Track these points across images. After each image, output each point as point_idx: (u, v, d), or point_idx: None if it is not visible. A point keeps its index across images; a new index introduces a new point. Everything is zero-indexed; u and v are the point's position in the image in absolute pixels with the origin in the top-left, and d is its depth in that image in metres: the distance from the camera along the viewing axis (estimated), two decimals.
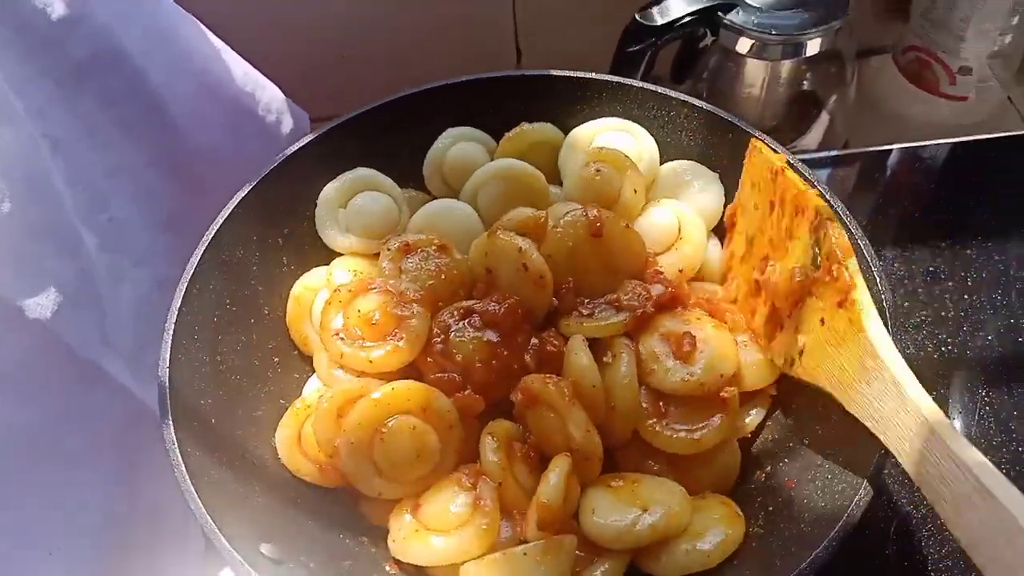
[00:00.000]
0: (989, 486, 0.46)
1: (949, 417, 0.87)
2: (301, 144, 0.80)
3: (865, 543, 0.79)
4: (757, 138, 0.77)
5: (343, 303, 0.72)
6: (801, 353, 0.65)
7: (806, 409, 0.70)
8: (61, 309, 0.73)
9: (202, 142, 0.94)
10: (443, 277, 0.73)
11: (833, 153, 1.12)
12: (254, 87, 1.00)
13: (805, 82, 1.15)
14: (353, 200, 0.80)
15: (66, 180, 0.78)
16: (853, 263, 0.61)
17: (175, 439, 0.61)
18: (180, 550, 0.82)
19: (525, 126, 0.85)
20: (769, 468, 0.70)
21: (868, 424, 0.58)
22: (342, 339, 0.70)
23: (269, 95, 1.02)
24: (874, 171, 1.10)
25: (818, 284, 0.63)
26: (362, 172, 0.82)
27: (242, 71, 0.99)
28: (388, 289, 0.71)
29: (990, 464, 0.47)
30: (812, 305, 0.64)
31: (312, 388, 0.74)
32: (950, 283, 0.97)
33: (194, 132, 0.93)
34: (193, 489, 0.59)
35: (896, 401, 0.55)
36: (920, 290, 0.97)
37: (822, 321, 0.63)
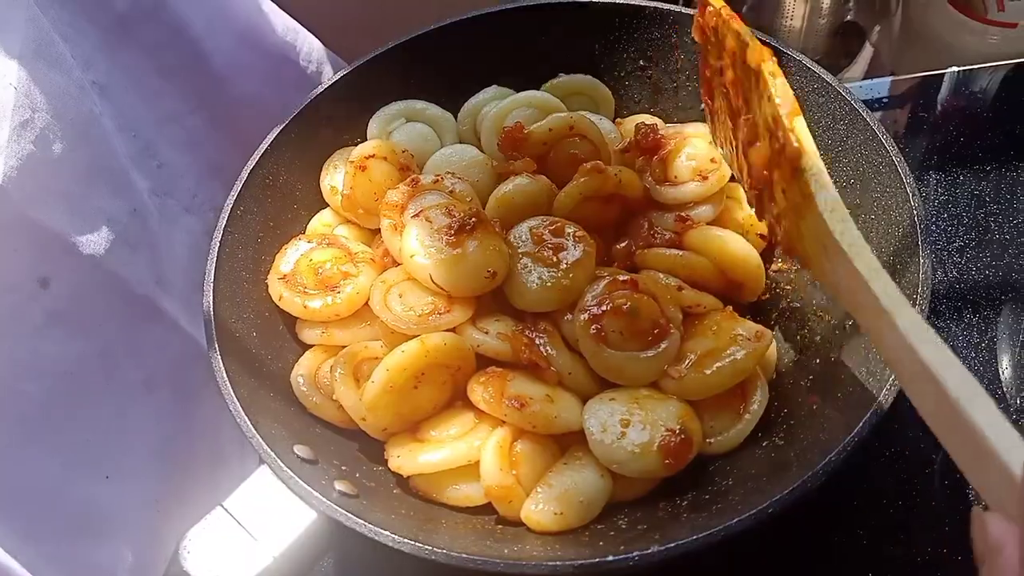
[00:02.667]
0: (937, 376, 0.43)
1: (996, 340, 0.85)
2: (337, 77, 0.83)
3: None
4: (790, 55, 0.77)
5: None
6: (780, 225, 0.62)
7: (830, 330, 0.70)
8: (114, 247, 0.77)
9: (244, 92, 0.97)
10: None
11: (876, 80, 1.10)
12: (294, 37, 1.03)
13: (848, 13, 1.13)
14: (395, 132, 0.85)
15: (116, 126, 0.82)
16: (800, 124, 0.56)
17: (219, 356, 0.65)
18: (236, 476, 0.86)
19: (562, 76, 0.87)
20: (791, 384, 0.70)
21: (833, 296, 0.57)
22: (284, 281, 0.74)
23: (309, 45, 1.05)
24: (918, 97, 1.07)
25: (775, 152, 0.58)
26: (401, 104, 0.86)
27: (282, 22, 1.02)
28: (342, 245, 0.77)
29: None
30: (776, 176, 0.60)
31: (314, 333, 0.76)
32: (995, 207, 0.95)
33: (236, 82, 0.97)
34: (233, 394, 0.62)
35: (851, 277, 0.51)
36: (964, 214, 0.95)
37: (784, 192, 0.59)
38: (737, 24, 0.64)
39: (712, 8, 0.68)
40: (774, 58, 0.59)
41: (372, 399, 0.66)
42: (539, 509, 0.64)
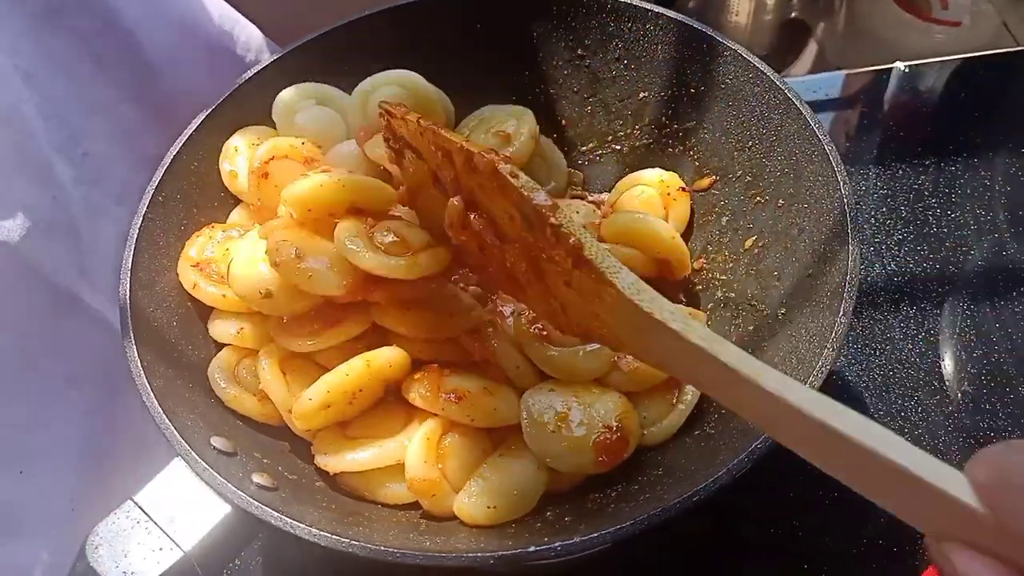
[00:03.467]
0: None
1: (934, 333, 0.85)
2: (266, 63, 0.81)
3: None
4: (727, 46, 0.77)
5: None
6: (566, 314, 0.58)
7: (763, 319, 0.70)
8: (31, 234, 0.75)
9: (180, 82, 0.95)
10: None
11: (821, 75, 1.10)
12: (232, 26, 1.01)
13: (793, 10, 1.13)
14: (298, 115, 0.81)
15: (39, 112, 0.79)
16: (567, 218, 0.53)
17: (134, 345, 0.63)
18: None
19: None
20: None
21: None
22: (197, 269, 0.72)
23: (247, 34, 1.03)
24: (860, 92, 1.08)
25: (542, 248, 0.55)
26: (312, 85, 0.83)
27: (219, 11, 1.00)
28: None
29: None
30: (549, 269, 0.56)
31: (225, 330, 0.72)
32: (933, 201, 0.95)
33: (171, 72, 0.94)
34: (147, 384, 0.60)
35: (687, 353, 0.45)
36: (903, 208, 0.95)
37: (567, 284, 0.55)
38: (447, 136, 0.61)
39: (408, 120, 0.65)
40: (503, 155, 0.57)
41: (305, 412, 0.64)
42: (471, 502, 0.62)
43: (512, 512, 0.63)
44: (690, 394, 0.68)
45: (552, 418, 0.64)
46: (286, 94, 0.81)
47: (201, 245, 0.73)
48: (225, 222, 0.79)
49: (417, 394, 0.66)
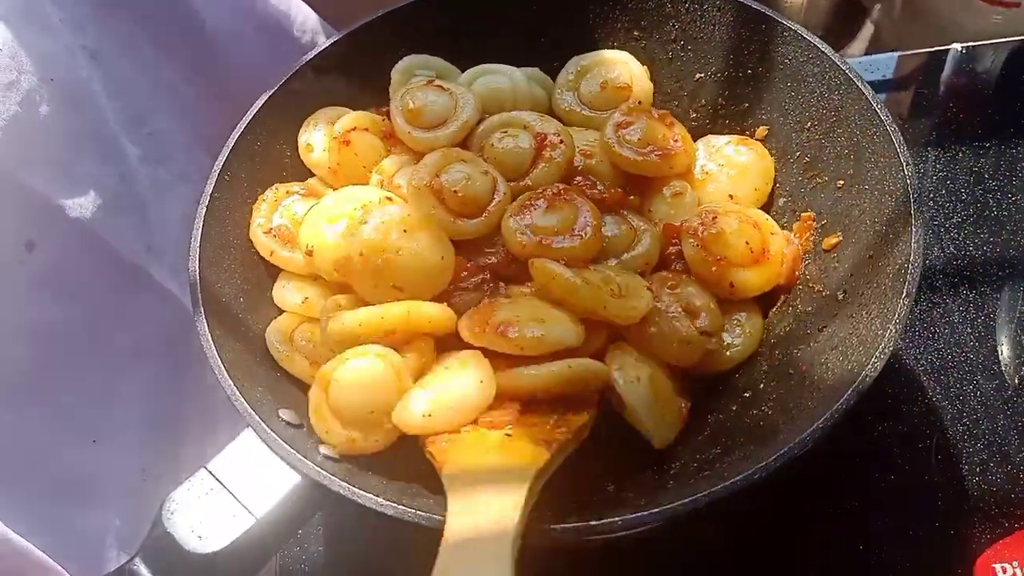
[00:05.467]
0: None
1: (993, 316, 0.84)
2: (326, 44, 0.82)
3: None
4: (786, 26, 0.76)
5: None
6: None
7: (821, 301, 0.70)
8: (101, 212, 0.77)
9: (239, 62, 0.97)
10: None
11: (878, 56, 1.09)
12: (288, 7, 1.02)
13: None
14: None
15: (106, 92, 0.82)
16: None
17: (204, 320, 0.65)
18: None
19: None
20: (780, 354, 0.70)
21: None
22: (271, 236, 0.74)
23: (303, 15, 1.04)
24: (920, 73, 1.06)
25: None
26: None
27: None
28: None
29: None
30: None
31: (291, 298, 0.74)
32: (993, 184, 0.94)
33: (231, 52, 0.96)
34: (218, 357, 0.62)
35: None
36: (962, 190, 0.94)
37: None
38: None
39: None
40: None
41: (338, 330, 0.63)
42: (409, 410, 0.61)
43: (448, 423, 0.61)
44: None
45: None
46: (404, 63, 0.83)
47: (268, 211, 0.75)
48: None
49: (467, 330, 0.65)
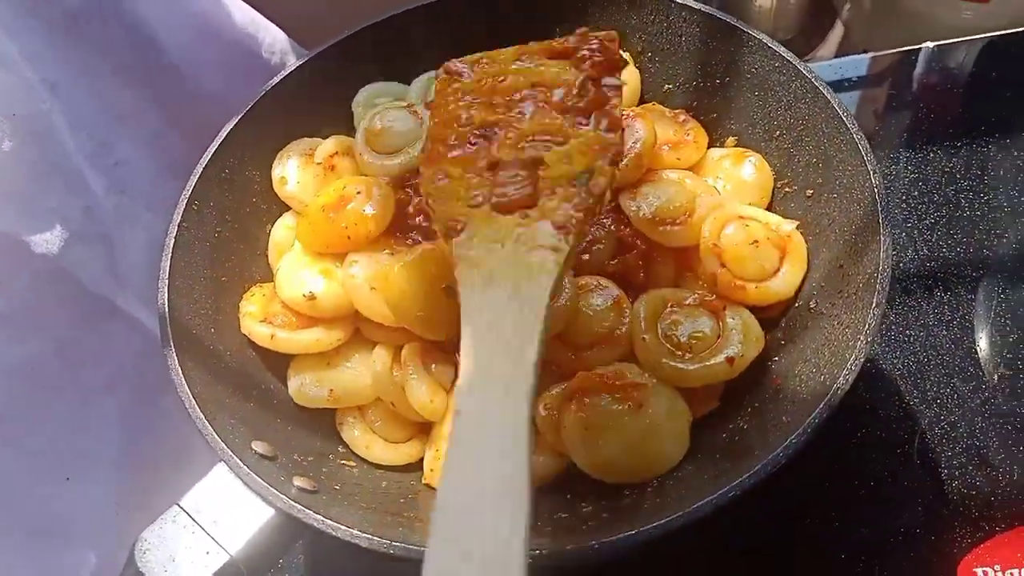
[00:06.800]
0: None
1: (969, 318, 0.85)
2: (293, 67, 0.82)
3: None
4: (751, 35, 0.76)
5: None
6: None
7: (797, 310, 0.70)
8: (67, 245, 0.76)
9: (205, 87, 0.96)
10: None
11: (849, 58, 1.09)
12: (255, 29, 1.02)
13: None
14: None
15: (68, 124, 0.81)
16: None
17: (174, 352, 0.64)
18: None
19: None
20: (753, 367, 0.69)
21: None
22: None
23: (272, 36, 1.03)
24: (889, 73, 1.06)
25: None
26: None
27: (242, 14, 1.01)
28: None
29: None
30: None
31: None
32: (965, 184, 0.94)
33: (196, 77, 0.95)
34: (188, 391, 0.62)
35: None
36: (935, 191, 0.94)
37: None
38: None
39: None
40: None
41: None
42: None
43: None
44: None
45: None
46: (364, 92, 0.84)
47: (258, 302, 0.75)
48: (263, 230, 0.81)
49: None
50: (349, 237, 0.71)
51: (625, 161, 0.73)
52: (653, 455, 0.63)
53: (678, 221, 0.72)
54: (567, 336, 0.68)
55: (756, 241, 0.70)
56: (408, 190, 0.75)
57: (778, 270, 0.70)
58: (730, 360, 0.65)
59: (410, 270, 0.66)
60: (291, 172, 0.79)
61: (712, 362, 0.65)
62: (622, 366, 0.66)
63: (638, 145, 0.74)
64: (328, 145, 0.80)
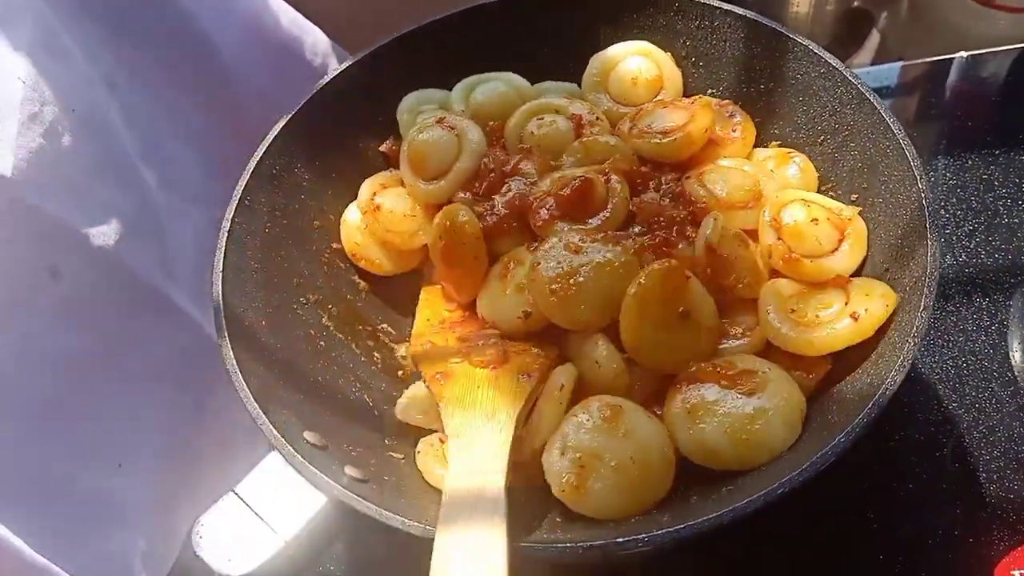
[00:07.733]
0: None
1: (1007, 323, 0.85)
2: (342, 68, 0.83)
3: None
4: (796, 41, 0.77)
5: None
6: None
7: None
8: (123, 239, 0.78)
9: (251, 86, 0.98)
10: None
11: (885, 66, 1.09)
12: (300, 32, 1.04)
13: None
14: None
15: (123, 120, 0.83)
16: None
17: (229, 344, 0.65)
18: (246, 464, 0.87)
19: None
20: None
21: None
22: None
23: (314, 39, 1.05)
24: (927, 82, 1.07)
25: None
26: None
27: (288, 17, 1.03)
28: None
29: None
30: None
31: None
32: (1003, 191, 0.94)
33: (242, 77, 0.98)
34: (244, 383, 0.63)
35: None
36: (973, 199, 0.94)
37: None
38: None
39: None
40: None
41: None
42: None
43: None
44: None
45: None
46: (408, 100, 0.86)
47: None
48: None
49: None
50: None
51: (674, 137, 0.76)
52: (757, 443, 0.63)
53: (748, 205, 0.73)
54: None
55: (816, 219, 0.70)
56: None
57: (835, 250, 0.70)
58: (855, 316, 0.64)
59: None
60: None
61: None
62: (734, 357, 0.67)
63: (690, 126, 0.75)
64: (365, 190, 0.82)
